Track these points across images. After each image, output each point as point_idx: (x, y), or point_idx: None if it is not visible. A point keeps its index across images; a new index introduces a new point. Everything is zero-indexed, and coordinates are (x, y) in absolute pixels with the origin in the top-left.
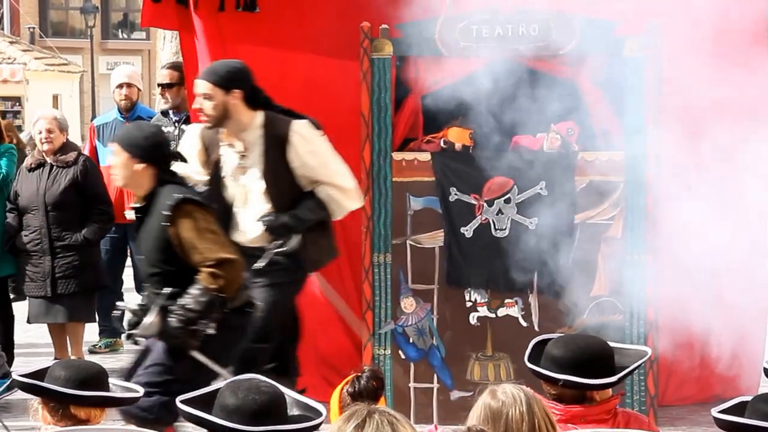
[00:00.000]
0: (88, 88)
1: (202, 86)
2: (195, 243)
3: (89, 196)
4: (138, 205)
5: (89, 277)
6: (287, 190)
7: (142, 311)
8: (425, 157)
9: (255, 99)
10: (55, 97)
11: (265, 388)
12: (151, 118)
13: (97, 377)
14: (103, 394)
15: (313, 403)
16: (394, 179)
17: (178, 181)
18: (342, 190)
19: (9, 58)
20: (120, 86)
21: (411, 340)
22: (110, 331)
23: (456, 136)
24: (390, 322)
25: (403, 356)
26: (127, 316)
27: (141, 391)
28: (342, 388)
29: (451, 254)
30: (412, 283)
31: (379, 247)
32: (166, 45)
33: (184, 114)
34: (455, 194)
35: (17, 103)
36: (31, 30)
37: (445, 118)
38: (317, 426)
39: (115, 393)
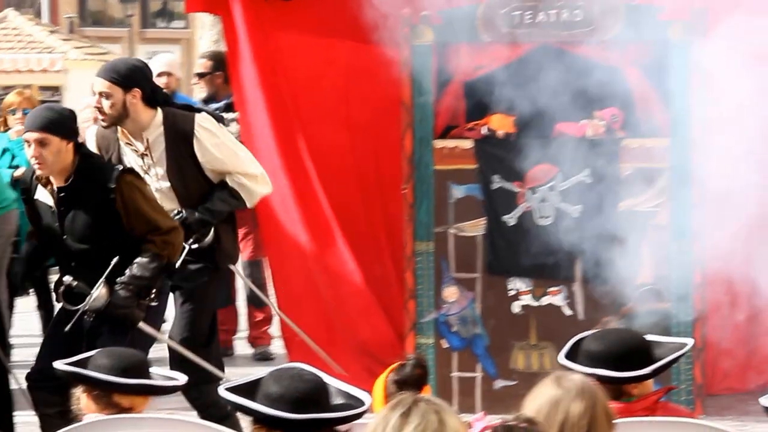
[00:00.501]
0: None
1: (100, 84)
2: (145, 212)
3: None
4: (62, 185)
5: None
6: (194, 185)
7: (86, 286)
8: (467, 144)
9: (154, 98)
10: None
11: (308, 376)
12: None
13: (139, 365)
14: (146, 382)
15: (356, 392)
16: (435, 167)
17: (100, 156)
18: (252, 177)
19: (48, 48)
20: (159, 75)
21: (454, 329)
22: None
23: (499, 123)
24: (432, 312)
25: (446, 345)
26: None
27: (183, 379)
28: (386, 377)
29: (494, 242)
30: (454, 272)
31: (421, 236)
32: (205, 33)
33: (222, 102)
34: (498, 182)
35: (57, 93)
36: (71, 19)
37: (488, 105)
38: (360, 414)
39: (158, 381)
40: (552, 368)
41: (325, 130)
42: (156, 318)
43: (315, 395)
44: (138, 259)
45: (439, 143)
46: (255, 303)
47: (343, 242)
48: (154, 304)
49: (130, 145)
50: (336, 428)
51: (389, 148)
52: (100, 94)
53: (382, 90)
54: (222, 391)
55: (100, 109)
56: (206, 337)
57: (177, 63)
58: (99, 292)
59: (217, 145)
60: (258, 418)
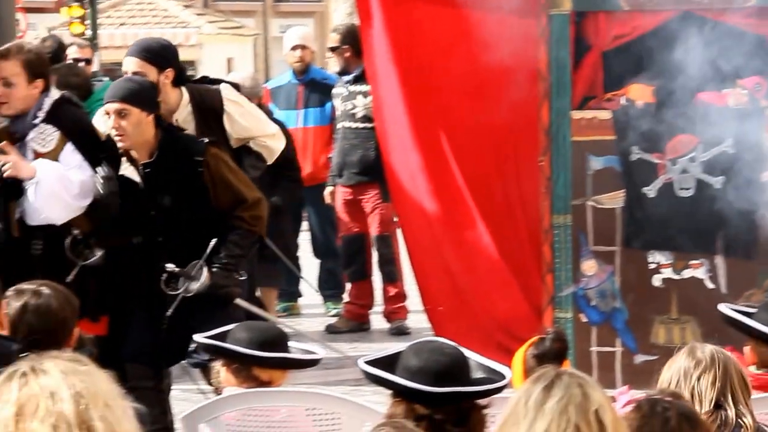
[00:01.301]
0: (261, 51)
1: (134, 64)
2: (232, 183)
3: (278, 161)
4: (148, 161)
5: (278, 243)
6: None
7: (190, 269)
8: (605, 115)
9: (180, 77)
10: (229, 61)
11: (448, 349)
12: (325, 79)
13: (278, 339)
14: (285, 356)
15: (496, 366)
16: (573, 138)
17: (183, 131)
18: (271, 136)
19: (183, 23)
20: (294, 48)
21: (593, 303)
22: (288, 294)
23: (638, 93)
24: (571, 285)
25: (584, 319)
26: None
27: (321, 353)
28: (525, 351)
29: (633, 215)
30: (593, 245)
31: (558, 209)
32: (339, 6)
33: (352, 75)
34: (637, 153)
35: (191, 67)
36: None
37: (626, 74)
38: (501, 388)
39: (297, 355)
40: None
41: (458, 103)
42: (244, 290)
43: (455, 369)
44: (231, 237)
45: (577, 114)
46: (388, 278)
47: (477, 216)
48: (243, 278)
49: None
50: (476, 402)
51: (525, 120)
52: (134, 73)
53: (518, 61)
54: (361, 365)
55: None
56: None
57: (311, 36)
58: (202, 277)
59: (243, 114)
60: (397, 391)
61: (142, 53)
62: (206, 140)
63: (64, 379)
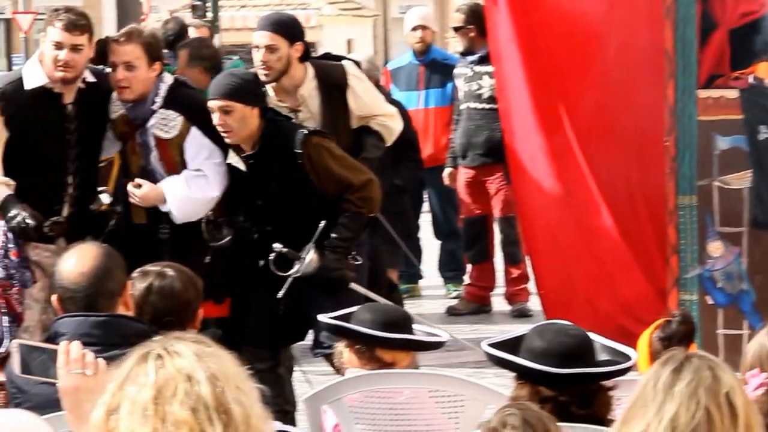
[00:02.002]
0: (380, 33)
1: (266, 37)
2: (336, 172)
3: (401, 142)
4: (251, 153)
5: (399, 224)
6: (345, 135)
7: (300, 251)
8: (733, 94)
9: (306, 53)
10: (349, 42)
11: (573, 331)
12: (446, 60)
13: (402, 320)
14: (409, 337)
15: (621, 348)
16: (699, 118)
17: (286, 120)
18: (390, 116)
19: (303, 4)
20: (414, 29)
21: (719, 285)
22: (409, 276)
23: (766, 71)
24: (696, 267)
25: (710, 301)
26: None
27: (445, 336)
28: (651, 334)
29: (761, 195)
30: (719, 226)
31: (684, 189)
32: None
33: (476, 56)
34: (765, 132)
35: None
36: None
37: (754, 52)
38: (626, 370)
39: (421, 337)
40: None
41: (580, 83)
42: (361, 274)
43: (580, 350)
44: (340, 220)
45: (703, 93)
46: (511, 259)
47: (599, 198)
48: (359, 262)
49: (282, 101)
50: (601, 384)
51: (649, 100)
52: (267, 47)
53: (643, 39)
54: (485, 347)
55: (266, 63)
56: None
57: (432, 16)
58: (310, 257)
59: (365, 90)
60: (522, 373)
61: (274, 26)
62: (308, 130)
63: (198, 361)
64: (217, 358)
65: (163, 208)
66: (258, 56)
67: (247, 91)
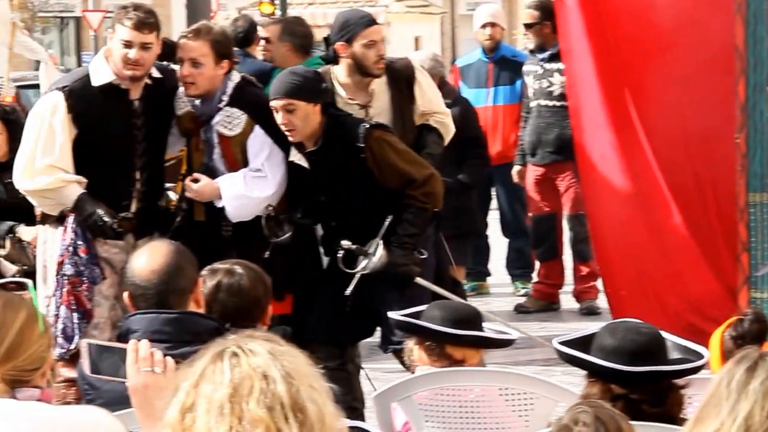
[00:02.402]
0: (448, 30)
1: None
2: (398, 166)
3: (467, 139)
4: (313, 149)
5: (465, 221)
6: (410, 130)
7: (367, 247)
8: None
9: None
10: (416, 39)
11: (644, 329)
12: (515, 57)
13: (473, 317)
14: (479, 334)
15: (694, 346)
16: None
17: (348, 115)
18: (446, 114)
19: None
20: (484, 26)
21: None
22: (476, 274)
23: None
24: (767, 265)
25: None
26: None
27: (516, 334)
28: (722, 332)
29: None
30: None
31: (754, 186)
32: None
33: (547, 53)
34: None
35: None
36: None
37: None
38: (698, 368)
39: (492, 334)
40: None
41: (649, 80)
42: (428, 269)
43: (652, 348)
44: (405, 216)
45: None
46: (580, 257)
47: (668, 195)
48: (424, 256)
49: (353, 99)
50: (673, 382)
51: (719, 97)
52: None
53: (713, 36)
54: (556, 344)
55: None
56: None
57: (502, 13)
58: (378, 253)
59: (430, 85)
60: (593, 371)
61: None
62: (370, 124)
63: (273, 360)
64: (291, 356)
65: (218, 204)
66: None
67: (309, 88)
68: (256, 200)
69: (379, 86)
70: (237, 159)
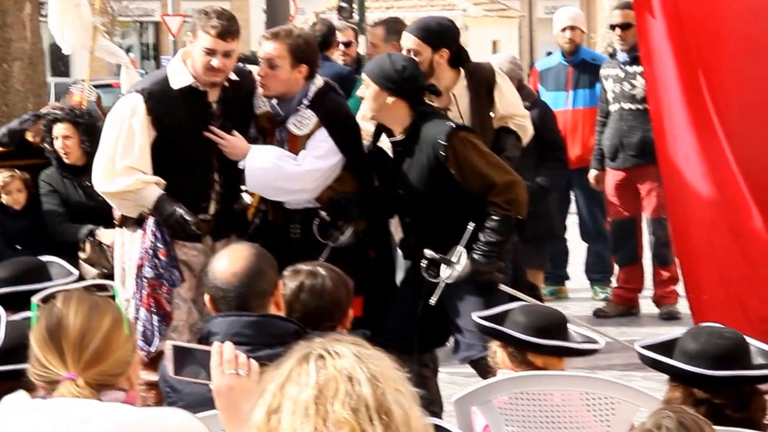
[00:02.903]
0: (526, 33)
1: (410, 41)
2: (480, 168)
3: (545, 142)
4: (398, 139)
5: (543, 224)
6: (490, 134)
7: (450, 255)
8: None
9: (458, 59)
10: (494, 43)
11: (728, 333)
12: (595, 60)
13: (557, 325)
14: (560, 344)
15: None
16: None
17: (437, 113)
18: (525, 117)
19: (449, 5)
20: (564, 29)
21: None
22: (555, 278)
23: None
24: None
25: None
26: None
27: (602, 341)
28: None
29: None
30: None
31: None
32: None
33: (630, 56)
34: None
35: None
36: None
37: None
38: None
39: (573, 344)
40: None
41: (730, 82)
42: (506, 274)
43: (735, 353)
44: (488, 224)
45: None
46: (661, 261)
47: (750, 200)
48: (506, 263)
49: (432, 102)
50: (757, 387)
51: None
52: (408, 50)
53: None
54: (638, 348)
55: None
56: None
57: (582, 17)
58: (463, 262)
59: (509, 89)
60: (676, 375)
61: (419, 32)
62: (455, 124)
63: (359, 362)
64: (377, 359)
65: (240, 165)
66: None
67: (391, 78)
68: (275, 179)
69: (459, 90)
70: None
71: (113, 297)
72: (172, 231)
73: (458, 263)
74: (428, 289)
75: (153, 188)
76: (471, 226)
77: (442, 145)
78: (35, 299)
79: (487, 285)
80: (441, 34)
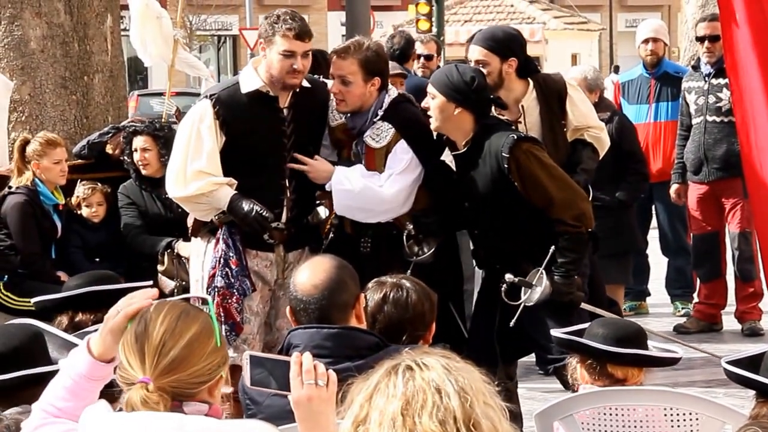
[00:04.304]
0: (606, 47)
1: (477, 52)
2: (543, 181)
3: (624, 154)
4: (461, 152)
5: (624, 239)
6: (563, 146)
7: (531, 278)
8: None
9: (526, 69)
10: (574, 57)
11: None
12: (678, 73)
13: (636, 335)
14: (640, 352)
15: None
16: None
17: (501, 123)
18: (601, 128)
19: (529, 18)
20: (646, 41)
21: None
22: (635, 293)
23: None
24: None
25: None
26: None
27: (681, 352)
28: None
29: None
30: None
31: None
32: None
33: (715, 68)
34: None
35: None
36: None
37: None
38: None
39: (653, 353)
40: None
41: None
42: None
43: None
44: (562, 243)
45: None
46: (744, 276)
47: None
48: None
49: (502, 116)
50: None
51: None
52: (476, 62)
53: None
54: (724, 364)
55: None
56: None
57: (664, 29)
58: (543, 285)
59: (582, 100)
60: (763, 391)
61: (486, 42)
62: (518, 136)
63: (447, 374)
64: (466, 372)
65: (326, 187)
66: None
67: (458, 89)
68: (362, 201)
69: (529, 101)
70: (380, 171)
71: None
72: (250, 228)
73: (539, 285)
74: (504, 304)
75: (226, 189)
76: (552, 249)
77: (505, 157)
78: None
79: (570, 304)
80: (508, 44)
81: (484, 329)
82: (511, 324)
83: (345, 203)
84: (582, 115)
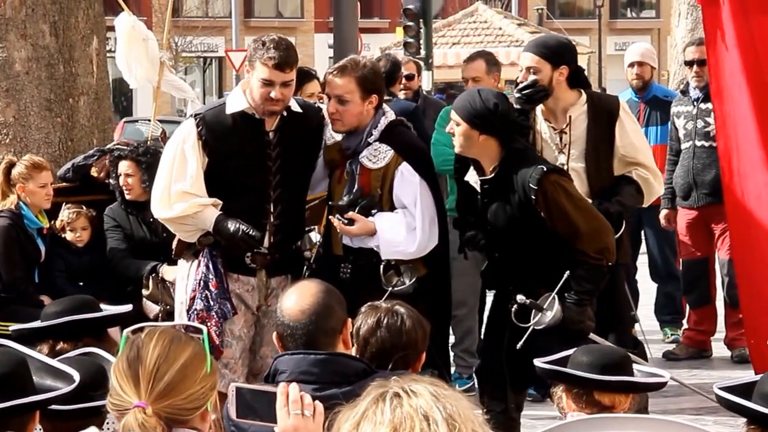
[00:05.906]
0: (594, 70)
1: (529, 59)
2: (570, 213)
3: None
4: (487, 177)
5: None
6: (605, 169)
7: (542, 302)
8: None
9: (577, 78)
10: None
11: None
12: (667, 97)
13: (621, 362)
14: (626, 379)
15: None
16: None
17: (528, 151)
18: (654, 173)
19: (517, 41)
20: (632, 65)
21: None
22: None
23: None
24: None
25: None
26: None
27: (667, 376)
28: None
29: None
30: None
31: None
32: (681, 22)
33: (703, 93)
34: None
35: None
36: (540, 12)
37: None
38: None
39: (639, 378)
40: None
41: None
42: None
43: None
44: (579, 272)
45: None
46: (734, 303)
47: None
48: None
49: (549, 121)
50: None
51: None
52: (528, 69)
53: None
54: (717, 391)
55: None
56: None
57: (651, 52)
58: (555, 309)
59: (635, 131)
60: (755, 418)
61: (539, 49)
62: (548, 168)
63: (436, 402)
64: (455, 399)
65: (370, 243)
66: (521, 77)
67: (480, 115)
68: (407, 242)
69: (577, 113)
70: (374, 192)
71: (202, 338)
72: (237, 248)
73: (550, 310)
74: (513, 326)
75: (210, 210)
76: (567, 274)
77: (533, 189)
78: (126, 331)
79: (579, 333)
80: (560, 51)
81: (495, 350)
82: (518, 346)
83: (391, 251)
84: (631, 146)
